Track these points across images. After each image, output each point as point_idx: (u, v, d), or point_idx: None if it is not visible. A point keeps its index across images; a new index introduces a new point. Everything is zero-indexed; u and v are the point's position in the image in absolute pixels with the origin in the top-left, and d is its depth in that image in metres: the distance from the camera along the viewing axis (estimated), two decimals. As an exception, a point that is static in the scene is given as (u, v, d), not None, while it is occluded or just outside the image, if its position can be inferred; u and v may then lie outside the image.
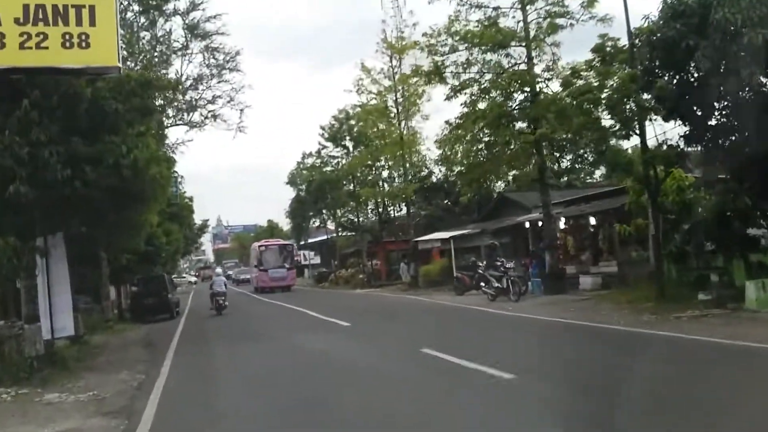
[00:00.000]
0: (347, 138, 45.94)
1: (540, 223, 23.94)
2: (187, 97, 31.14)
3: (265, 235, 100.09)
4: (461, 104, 22.26)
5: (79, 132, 12.45)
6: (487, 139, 20.72)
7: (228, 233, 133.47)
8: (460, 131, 21.93)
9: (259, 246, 47.27)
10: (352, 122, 44.42)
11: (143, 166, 13.24)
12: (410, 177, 37.97)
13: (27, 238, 12.42)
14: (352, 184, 45.22)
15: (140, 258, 29.78)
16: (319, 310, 22.71)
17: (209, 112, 30.03)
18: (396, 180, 42.33)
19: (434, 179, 42.40)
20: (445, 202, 43.94)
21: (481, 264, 24.73)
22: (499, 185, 36.75)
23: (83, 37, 11.67)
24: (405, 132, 35.69)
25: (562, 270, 21.10)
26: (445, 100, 21.48)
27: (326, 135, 47.31)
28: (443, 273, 32.13)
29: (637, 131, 16.53)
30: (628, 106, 15.99)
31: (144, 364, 13.82)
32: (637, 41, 15.58)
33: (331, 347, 14.02)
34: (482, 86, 20.62)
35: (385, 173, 43.80)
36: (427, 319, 18.98)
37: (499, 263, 20.52)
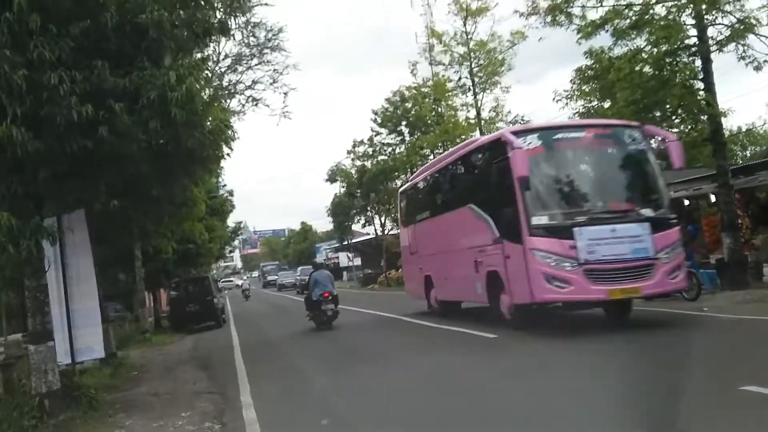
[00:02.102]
0: (403, 123, 40.82)
1: (686, 202, 19.03)
2: (225, 82, 27.18)
3: (298, 239, 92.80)
4: (584, 54, 17.69)
5: (105, 54, 8.06)
6: (650, 83, 15.67)
7: (257, 238, 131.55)
8: (603, 79, 17.07)
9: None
10: (408, 105, 39.67)
11: (201, 107, 8.80)
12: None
13: (28, 214, 7.97)
14: (408, 174, 40.27)
15: (179, 258, 25.84)
16: (417, 317, 17.10)
17: (249, 97, 25.95)
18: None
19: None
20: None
21: None
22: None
23: None
24: (481, 107, 30.31)
25: (743, 257, 16.10)
26: (579, 40, 16.66)
27: (378, 120, 42.00)
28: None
29: None
30: None
31: (210, 400, 9.20)
32: None
33: (544, 380, 7.94)
34: (633, 18, 15.66)
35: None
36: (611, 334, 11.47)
37: None
